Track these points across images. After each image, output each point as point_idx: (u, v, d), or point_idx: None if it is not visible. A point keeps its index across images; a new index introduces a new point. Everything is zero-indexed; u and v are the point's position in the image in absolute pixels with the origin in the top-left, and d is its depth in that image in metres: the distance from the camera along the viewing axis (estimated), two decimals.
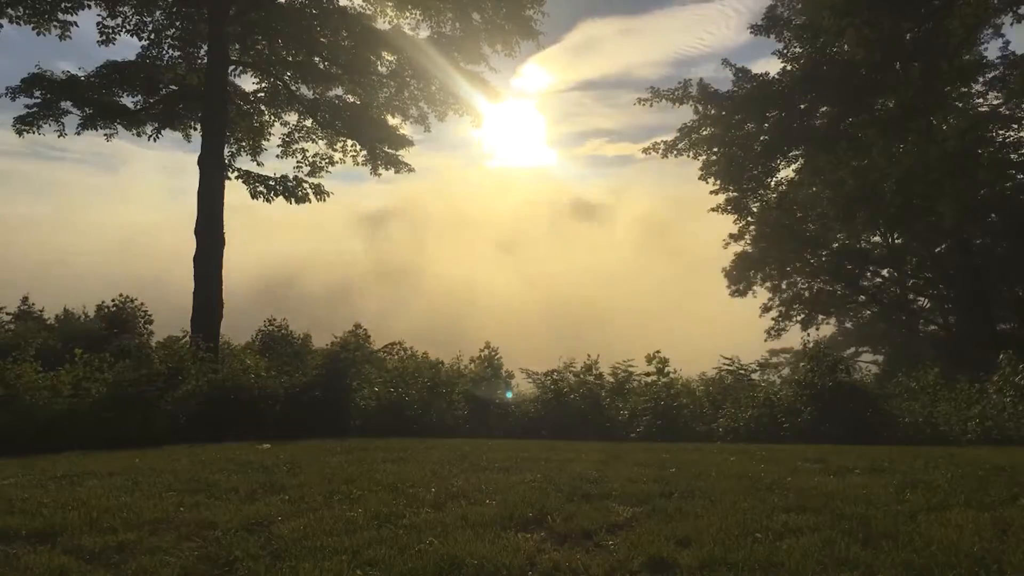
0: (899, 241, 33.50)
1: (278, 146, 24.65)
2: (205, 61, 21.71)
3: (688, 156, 30.44)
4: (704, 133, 29.90)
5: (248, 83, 23.98)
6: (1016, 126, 27.25)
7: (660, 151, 30.70)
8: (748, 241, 33.79)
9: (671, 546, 4.57)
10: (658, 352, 14.10)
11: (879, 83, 26.04)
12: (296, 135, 24.62)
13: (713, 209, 32.10)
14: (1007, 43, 25.90)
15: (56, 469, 7.57)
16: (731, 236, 33.82)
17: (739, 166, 30.12)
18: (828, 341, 25.40)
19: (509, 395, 14.06)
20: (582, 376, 14.04)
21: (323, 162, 24.58)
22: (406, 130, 24.26)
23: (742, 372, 14.24)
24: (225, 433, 11.36)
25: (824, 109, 29.37)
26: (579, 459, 8.21)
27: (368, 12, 22.42)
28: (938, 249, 31.87)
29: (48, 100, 20.87)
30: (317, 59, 22.84)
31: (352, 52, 22.30)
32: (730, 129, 29.46)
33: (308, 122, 24.39)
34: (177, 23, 21.86)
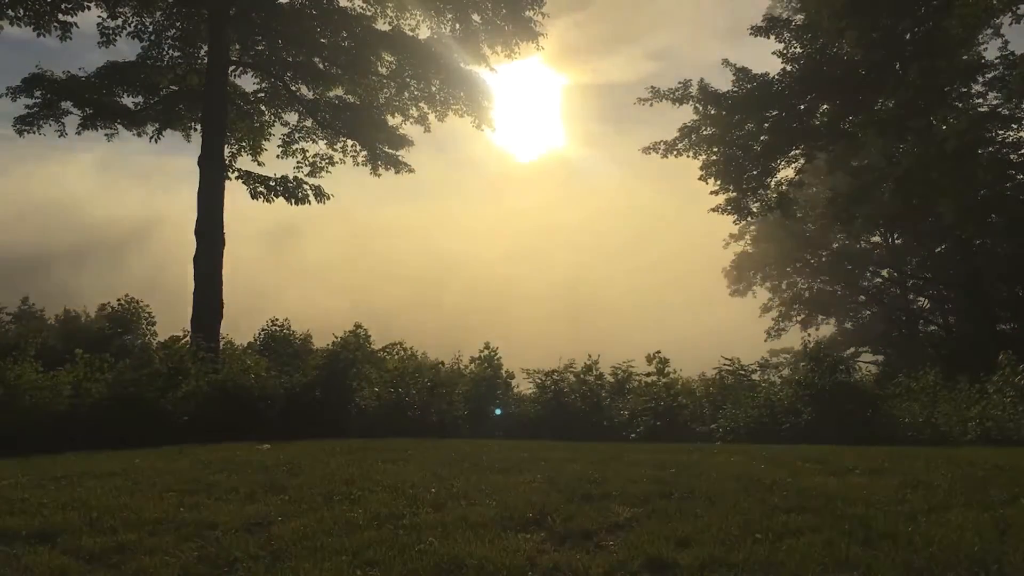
0: (899, 241, 33.53)
1: (278, 146, 24.61)
2: (205, 61, 21.69)
3: (688, 156, 30.42)
4: (704, 133, 29.88)
5: (248, 83, 24.04)
6: (1016, 126, 27.24)
7: (660, 151, 30.68)
8: (748, 241, 33.86)
9: (671, 546, 4.57)
10: (658, 352, 14.11)
11: (879, 83, 26.03)
12: (296, 135, 24.57)
13: (713, 210, 32.12)
14: (1007, 43, 25.75)
15: (56, 469, 7.57)
16: (731, 236, 33.88)
17: (739, 166, 30.10)
18: (828, 341, 25.38)
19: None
20: (582, 376, 14.03)
21: (323, 162, 24.57)
22: (406, 130, 24.31)
23: (742, 372, 14.23)
24: (225, 433, 11.34)
25: (824, 108, 29.37)
26: (579, 459, 8.20)
27: (368, 13, 22.43)
28: (938, 249, 31.90)
29: (48, 100, 20.85)
30: (317, 59, 22.83)
31: (352, 52, 22.28)
32: (730, 129, 29.44)
33: (308, 122, 24.35)
34: (177, 24, 21.84)
